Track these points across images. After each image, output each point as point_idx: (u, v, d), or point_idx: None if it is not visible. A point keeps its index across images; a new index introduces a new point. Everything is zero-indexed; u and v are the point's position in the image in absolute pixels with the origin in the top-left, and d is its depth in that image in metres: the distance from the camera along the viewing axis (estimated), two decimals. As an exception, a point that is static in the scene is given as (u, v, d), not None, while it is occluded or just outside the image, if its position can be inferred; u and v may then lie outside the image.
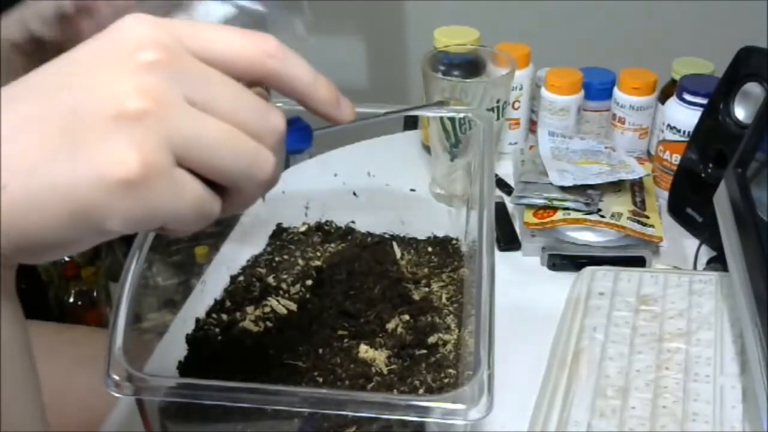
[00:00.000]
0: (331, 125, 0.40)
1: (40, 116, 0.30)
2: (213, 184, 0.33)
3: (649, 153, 0.92)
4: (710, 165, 0.79)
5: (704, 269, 0.76)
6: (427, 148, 0.92)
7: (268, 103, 0.34)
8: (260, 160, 0.33)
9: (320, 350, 0.57)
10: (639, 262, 0.75)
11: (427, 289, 0.64)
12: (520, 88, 0.92)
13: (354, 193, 0.75)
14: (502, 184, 0.89)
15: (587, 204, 0.77)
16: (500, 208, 0.83)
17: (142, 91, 0.30)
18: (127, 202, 0.29)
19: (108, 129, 0.29)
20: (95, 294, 1.54)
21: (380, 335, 0.58)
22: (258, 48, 0.34)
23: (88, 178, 0.29)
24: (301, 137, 0.39)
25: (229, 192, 0.33)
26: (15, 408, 0.33)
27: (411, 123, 1.06)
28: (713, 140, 0.78)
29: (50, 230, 0.30)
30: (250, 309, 0.62)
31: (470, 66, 0.86)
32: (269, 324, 0.60)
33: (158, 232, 0.34)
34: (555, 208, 0.78)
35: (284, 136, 0.35)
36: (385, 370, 0.55)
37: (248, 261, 0.70)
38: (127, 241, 0.44)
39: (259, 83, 0.35)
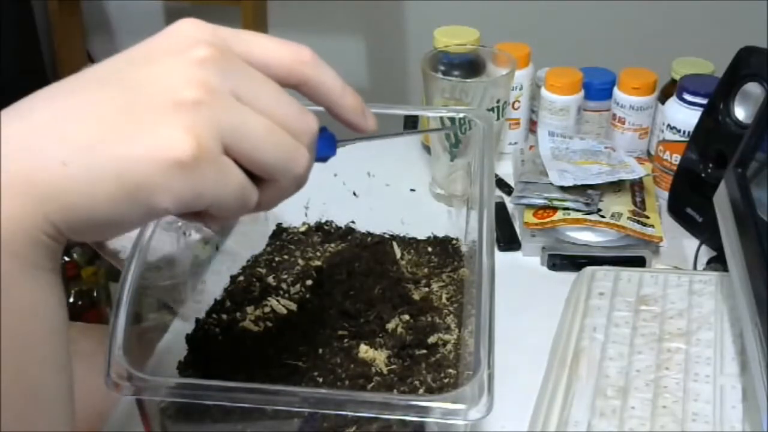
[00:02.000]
0: (352, 138, 0.43)
1: (102, 100, 0.32)
2: (251, 178, 0.35)
3: (649, 153, 0.92)
4: (710, 165, 0.79)
5: (704, 269, 0.76)
6: (427, 148, 0.92)
7: (303, 106, 0.37)
8: (297, 155, 0.36)
9: (320, 350, 0.57)
10: (639, 262, 0.75)
11: (427, 289, 0.64)
12: (520, 88, 0.92)
13: (354, 193, 0.75)
14: (502, 184, 0.89)
15: (587, 204, 0.77)
16: (500, 208, 0.83)
17: (197, 82, 0.33)
18: (178, 182, 0.32)
19: (165, 114, 0.32)
20: (95, 294, 1.54)
21: (380, 335, 0.58)
22: (295, 55, 0.37)
23: (145, 158, 0.31)
24: (327, 145, 0.40)
25: (266, 185, 0.36)
26: (45, 385, 0.34)
27: (411, 123, 1.06)
28: (713, 140, 0.78)
29: (104, 206, 0.32)
30: (250, 309, 0.62)
31: (470, 66, 0.86)
32: (269, 324, 0.60)
33: (198, 221, 0.36)
34: (555, 208, 0.78)
35: (317, 137, 0.37)
36: (385, 370, 0.55)
37: (248, 261, 0.70)
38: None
39: (293, 88, 0.37)
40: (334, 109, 0.39)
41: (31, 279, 0.32)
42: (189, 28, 0.35)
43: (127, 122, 0.32)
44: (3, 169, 0.31)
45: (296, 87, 0.38)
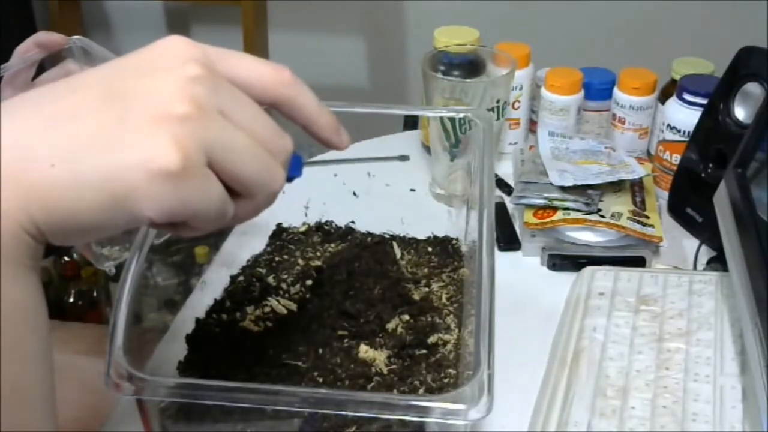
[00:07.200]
0: (314, 160, 0.42)
1: (94, 107, 0.33)
2: (228, 192, 0.36)
3: (649, 153, 0.92)
4: (710, 165, 0.79)
5: (704, 269, 0.76)
6: (427, 148, 0.92)
7: (280, 127, 0.38)
8: (274, 172, 0.37)
9: (320, 350, 0.57)
10: (639, 262, 0.75)
11: (427, 289, 0.64)
12: (520, 88, 0.92)
13: (354, 193, 0.75)
14: (502, 184, 0.89)
15: (587, 204, 0.77)
16: (500, 208, 0.83)
17: (187, 98, 0.34)
18: (163, 191, 0.32)
19: (155, 125, 0.33)
20: (95, 294, 1.54)
21: (380, 335, 0.58)
22: (276, 76, 0.38)
23: (132, 166, 0.32)
24: (295, 166, 0.42)
25: (241, 200, 0.37)
26: (27, 382, 0.34)
27: (411, 123, 1.06)
28: (713, 140, 0.78)
29: (88, 211, 0.32)
30: (250, 309, 0.62)
31: (470, 66, 0.86)
32: (269, 324, 0.60)
33: (173, 231, 0.36)
34: (555, 208, 0.78)
35: (291, 157, 0.39)
36: (385, 370, 0.55)
37: (248, 261, 0.70)
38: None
39: (272, 107, 0.39)
40: (311, 127, 0.41)
41: (14, 276, 0.32)
42: (180, 46, 0.36)
43: (117, 130, 0.32)
44: None
45: (275, 106, 0.39)
